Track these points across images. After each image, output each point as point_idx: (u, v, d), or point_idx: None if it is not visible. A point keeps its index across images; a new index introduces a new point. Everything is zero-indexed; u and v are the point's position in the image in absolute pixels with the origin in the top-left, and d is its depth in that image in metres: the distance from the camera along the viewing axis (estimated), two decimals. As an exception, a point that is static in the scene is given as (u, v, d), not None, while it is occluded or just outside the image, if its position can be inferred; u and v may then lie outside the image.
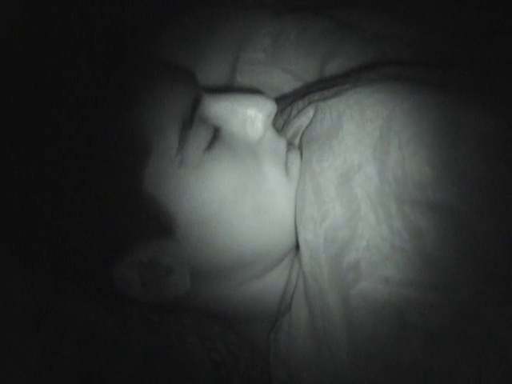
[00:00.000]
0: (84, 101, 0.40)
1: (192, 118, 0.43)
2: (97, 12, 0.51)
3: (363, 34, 0.63)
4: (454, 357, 0.39)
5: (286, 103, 0.56)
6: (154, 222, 0.42)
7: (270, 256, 0.48)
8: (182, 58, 0.60)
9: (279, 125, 0.54)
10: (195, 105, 0.44)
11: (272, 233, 0.46)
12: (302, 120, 0.50)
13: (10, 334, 0.43)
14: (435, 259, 0.41)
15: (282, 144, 0.48)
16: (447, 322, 0.39)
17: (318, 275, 0.44)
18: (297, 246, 0.48)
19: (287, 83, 0.64)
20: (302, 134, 0.50)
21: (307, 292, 0.45)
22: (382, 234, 0.43)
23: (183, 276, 0.44)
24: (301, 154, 0.49)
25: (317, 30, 0.63)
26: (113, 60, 0.43)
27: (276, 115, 0.51)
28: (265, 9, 0.64)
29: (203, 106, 0.45)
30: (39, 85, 0.41)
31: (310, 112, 0.50)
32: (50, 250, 0.43)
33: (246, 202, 0.44)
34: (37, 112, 0.40)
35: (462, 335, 0.39)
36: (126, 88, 0.41)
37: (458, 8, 0.64)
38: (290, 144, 0.49)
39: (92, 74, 0.42)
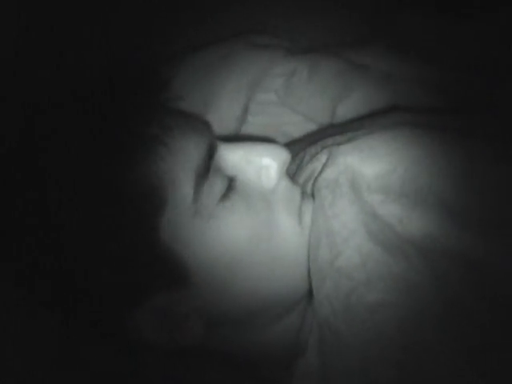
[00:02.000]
0: (98, 153, 0.41)
1: (207, 167, 0.43)
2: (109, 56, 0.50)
3: (375, 75, 0.63)
4: None
5: (299, 148, 0.56)
6: (169, 272, 0.42)
7: (283, 303, 0.48)
8: (194, 99, 0.61)
9: (292, 170, 0.54)
10: (210, 154, 0.44)
11: (286, 280, 0.47)
12: (315, 165, 0.51)
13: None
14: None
15: (295, 193, 0.48)
16: None
17: (332, 318, 0.44)
18: (310, 292, 0.47)
19: (298, 124, 0.65)
20: (315, 180, 0.50)
21: (321, 338, 0.45)
22: (400, 274, 0.42)
23: (198, 323, 0.44)
24: (314, 199, 0.49)
25: (329, 70, 0.63)
26: (129, 111, 0.43)
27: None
28: (277, 49, 0.65)
29: (218, 155, 0.46)
30: (49, 135, 0.42)
31: (322, 158, 0.50)
32: (67, 296, 0.43)
33: (260, 250, 0.45)
34: (47, 161, 0.41)
35: None
36: (142, 139, 0.42)
37: (471, 46, 0.64)
38: (303, 192, 0.50)
39: (106, 126, 0.42)
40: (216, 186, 0.43)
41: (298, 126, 0.65)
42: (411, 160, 0.46)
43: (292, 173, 0.54)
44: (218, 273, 0.43)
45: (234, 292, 0.44)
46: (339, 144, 0.49)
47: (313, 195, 0.49)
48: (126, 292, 0.42)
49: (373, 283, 0.43)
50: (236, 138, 0.51)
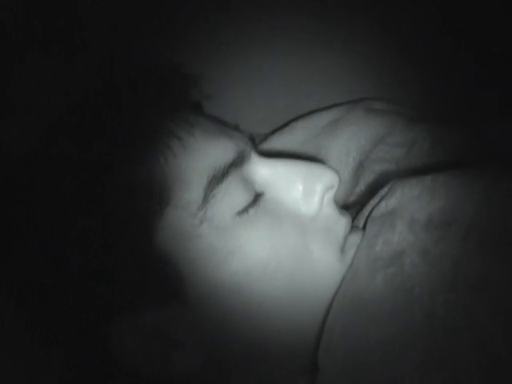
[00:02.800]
0: (101, 141, 0.38)
1: (225, 174, 0.39)
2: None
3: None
4: None
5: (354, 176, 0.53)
6: (162, 283, 0.37)
7: (287, 353, 0.41)
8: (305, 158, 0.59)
9: (343, 196, 0.49)
10: (237, 162, 0.40)
11: (300, 325, 0.40)
12: (377, 200, 0.45)
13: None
14: None
15: (341, 223, 0.42)
16: None
17: None
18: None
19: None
20: (370, 212, 0.44)
21: None
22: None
23: (193, 354, 0.38)
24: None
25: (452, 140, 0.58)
26: (149, 104, 0.40)
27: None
28: (397, 116, 0.61)
29: (250, 166, 0.42)
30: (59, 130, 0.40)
31: (383, 190, 0.45)
32: (47, 298, 0.39)
33: (277, 280, 0.39)
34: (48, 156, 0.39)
35: None
36: (154, 131, 0.39)
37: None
38: (355, 227, 0.44)
39: (117, 116, 0.39)
40: (237, 197, 0.39)
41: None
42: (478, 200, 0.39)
43: (343, 199, 0.48)
44: (221, 294, 0.38)
45: (237, 323, 0.38)
46: (402, 177, 0.44)
47: (364, 229, 0.43)
48: (110, 296, 0.37)
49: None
50: (278, 154, 0.46)
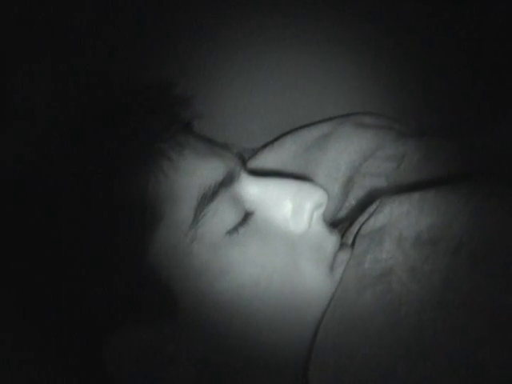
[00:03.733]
0: (92, 159, 0.38)
1: (215, 193, 0.39)
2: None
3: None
4: None
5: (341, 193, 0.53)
6: (155, 300, 0.38)
7: (278, 372, 0.41)
8: (295, 174, 0.59)
9: (330, 214, 0.50)
10: (227, 181, 0.40)
11: (290, 340, 0.41)
12: (365, 217, 0.46)
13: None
14: None
15: (330, 241, 0.43)
16: None
17: None
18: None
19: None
20: (359, 229, 0.44)
21: None
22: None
23: (187, 369, 0.39)
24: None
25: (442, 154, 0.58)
26: (140, 124, 0.40)
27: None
28: (387, 130, 0.61)
29: (240, 185, 0.42)
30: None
31: (371, 207, 0.45)
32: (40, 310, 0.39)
33: (268, 296, 0.39)
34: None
35: None
36: (145, 151, 0.39)
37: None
38: (343, 244, 0.44)
39: (108, 134, 0.39)
40: (227, 216, 0.39)
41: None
42: (468, 216, 0.39)
43: (330, 217, 0.48)
44: (212, 311, 0.38)
45: (228, 337, 0.39)
46: (390, 193, 0.45)
47: (353, 246, 0.44)
48: (102, 315, 0.38)
49: None
50: (267, 173, 0.47)
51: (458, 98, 0.62)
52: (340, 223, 0.52)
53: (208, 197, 0.39)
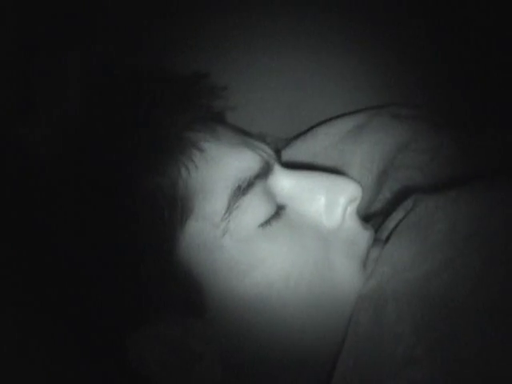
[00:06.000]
0: (120, 150, 0.38)
1: (250, 185, 0.38)
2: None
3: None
4: None
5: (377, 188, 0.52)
6: (183, 294, 0.37)
7: (306, 371, 0.40)
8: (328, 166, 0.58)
9: (366, 209, 0.48)
10: (261, 174, 0.39)
11: (320, 338, 0.39)
12: (400, 213, 0.44)
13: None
14: None
15: (364, 236, 0.42)
16: None
17: None
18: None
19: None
20: (395, 226, 0.43)
21: None
22: None
23: (213, 366, 0.38)
24: None
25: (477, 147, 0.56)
26: (172, 113, 0.40)
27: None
28: (422, 122, 0.59)
29: (274, 178, 0.41)
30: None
31: (408, 205, 0.43)
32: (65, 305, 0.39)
33: (299, 292, 0.38)
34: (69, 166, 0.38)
35: None
36: (176, 142, 0.38)
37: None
38: (378, 240, 0.43)
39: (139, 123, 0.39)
40: (260, 209, 0.38)
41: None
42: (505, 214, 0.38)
43: (364, 210, 0.47)
44: (241, 307, 0.37)
45: (256, 334, 0.38)
46: (427, 192, 0.43)
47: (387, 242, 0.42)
48: (131, 310, 0.37)
49: None
50: (302, 166, 0.45)
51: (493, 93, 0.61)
52: (374, 217, 0.51)
53: (243, 189, 0.38)
